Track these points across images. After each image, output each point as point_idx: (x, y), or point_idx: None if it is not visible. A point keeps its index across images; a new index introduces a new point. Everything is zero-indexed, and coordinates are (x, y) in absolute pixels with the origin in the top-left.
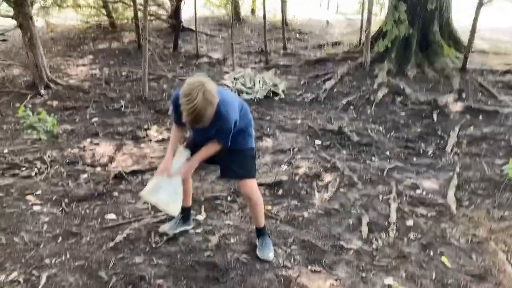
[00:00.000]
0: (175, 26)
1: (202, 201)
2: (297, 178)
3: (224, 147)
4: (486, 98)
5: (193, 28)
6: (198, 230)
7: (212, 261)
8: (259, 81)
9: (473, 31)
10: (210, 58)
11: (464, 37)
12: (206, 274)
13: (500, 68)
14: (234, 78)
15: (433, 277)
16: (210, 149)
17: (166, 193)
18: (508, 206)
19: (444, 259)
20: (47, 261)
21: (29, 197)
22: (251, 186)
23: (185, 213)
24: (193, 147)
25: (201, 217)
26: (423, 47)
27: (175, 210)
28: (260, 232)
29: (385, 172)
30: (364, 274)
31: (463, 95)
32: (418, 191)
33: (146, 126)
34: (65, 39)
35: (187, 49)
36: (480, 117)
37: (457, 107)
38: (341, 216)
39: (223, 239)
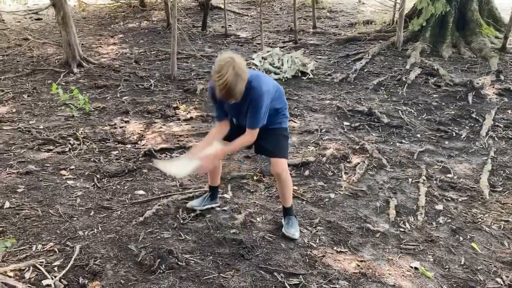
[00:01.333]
0: (204, 5)
1: (229, 179)
2: (324, 159)
3: (256, 131)
4: None
5: (222, 6)
6: (225, 208)
7: (238, 238)
8: (287, 61)
9: None
10: (238, 37)
11: (505, 15)
12: (231, 250)
13: None
14: (262, 58)
15: (462, 262)
16: (243, 140)
17: (176, 164)
18: None
19: (474, 244)
20: (80, 233)
21: (63, 172)
22: (283, 165)
23: (213, 191)
24: (231, 132)
25: (227, 196)
26: (460, 25)
27: (177, 172)
28: (287, 212)
29: (416, 155)
30: (390, 257)
31: (501, 77)
32: (449, 175)
33: (175, 105)
34: (96, 18)
35: (216, 28)
36: None
37: (494, 89)
38: (368, 198)
39: (248, 217)
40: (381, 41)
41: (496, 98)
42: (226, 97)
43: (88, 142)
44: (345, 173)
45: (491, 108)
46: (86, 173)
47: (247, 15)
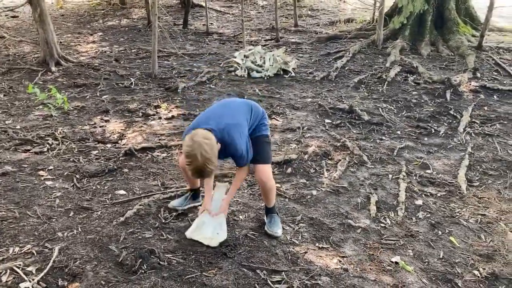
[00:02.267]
0: (185, 3)
1: (223, 182)
2: (306, 156)
3: (248, 165)
4: (502, 77)
5: (203, 4)
6: None
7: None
8: (269, 59)
9: (490, 7)
10: (220, 35)
11: (481, 14)
12: (214, 249)
13: None
14: (244, 56)
15: (441, 255)
16: (240, 177)
17: (210, 229)
18: None
19: (452, 238)
20: (59, 234)
21: (41, 172)
22: (266, 171)
23: (195, 191)
24: None
25: None
26: (438, 24)
27: (217, 242)
28: (270, 210)
29: (396, 151)
30: (371, 252)
31: (478, 74)
32: (428, 171)
33: (155, 104)
34: (75, 16)
35: (197, 26)
36: (495, 96)
37: (471, 86)
38: (349, 194)
39: (232, 216)
40: (362, 39)
41: (473, 95)
42: (198, 177)
43: (67, 142)
44: (326, 170)
45: (468, 105)
46: (65, 173)
47: (229, 13)
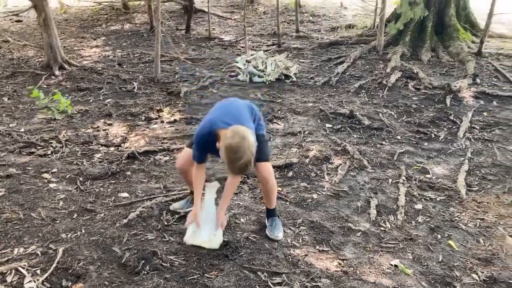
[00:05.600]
0: (188, 8)
1: (213, 181)
2: (307, 160)
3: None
4: (501, 83)
5: (206, 10)
6: None
7: (223, 239)
8: (271, 64)
9: (490, 14)
10: (222, 40)
11: (481, 21)
12: (216, 251)
13: None
14: (246, 61)
15: (440, 259)
16: (234, 183)
17: (207, 232)
18: None
19: (451, 242)
20: (63, 235)
21: (45, 175)
22: (267, 168)
23: None
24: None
25: None
26: (438, 30)
27: (217, 243)
28: (271, 213)
29: (396, 156)
30: (371, 255)
31: (478, 80)
32: (428, 176)
33: (158, 108)
34: (79, 21)
35: (199, 31)
36: (494, 102)
37: (471, 92)
38: (350, 198)
39: (233, 218)
40: (363, 45)
41: (473, 101)
42: (242, 173)
43: (70, 145)
44: (327, 174)
45: (468, 110)
46: (69, 176)
47: (231, 19)
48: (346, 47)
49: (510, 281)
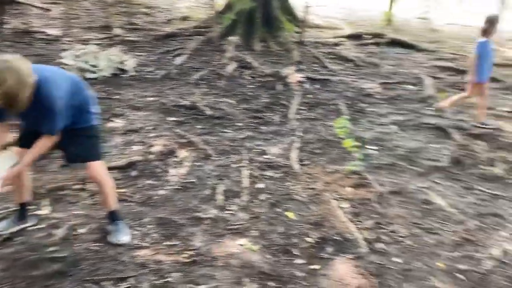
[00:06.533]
0: None
1: (45, 193)
2: (152, 157)
3: (55, 136)
4: (320, 68)
5: (22, 0)
6: (41, 226)
7: (58, 255)
8: (104, 59)
9: (307, 8)
10: (45, 34)
11: (300, 13)
12: (51, 270)
13: (331, 41)
14: (76, 56)
15: (280, 231)
16: (40, 147)
17: None
18: (339, 160)
19: (289, 213)
20: None
21: None
22: (98, 168)
23: (22, 210)
24: (28, 137)
25: (44, 211)
26: (266, 22)
27: None
28: (113, 216)
29: (238, 142)
30: (219, 240)
31: (302, 67)
32: (266, 156)
33: None
34: None
35: (16, 25)
36: (316, 85)
37: (297, 77)
38: (197, 188)
39: (71, 230)
40: (199, 36)
41: (299, 85)
42: (6, 107)
43: None
44: (173, 167)
45: (296, 94)
46: None
47: (54, 10)
48: (183, 39)
49: (336, 238)
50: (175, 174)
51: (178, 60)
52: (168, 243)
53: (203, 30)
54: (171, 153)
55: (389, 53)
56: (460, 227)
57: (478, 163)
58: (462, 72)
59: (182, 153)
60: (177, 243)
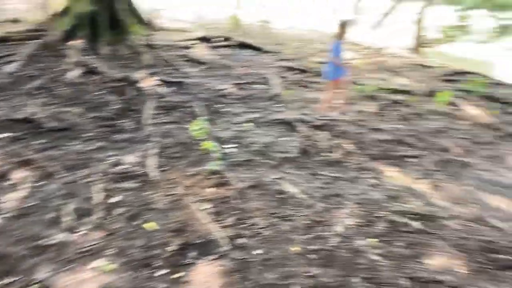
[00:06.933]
0: None
1: None
2: None
3: None
4: (173, 71)
5: None
6: None
7: None
8: None
9: (154, 10)
10: None
11: (147, 16)
12: None
13: (182, 44)
14: None
15: (141, 244)
16: None
17: None
18: (198, 162)
19: (150, 224)
20: None
21: None
22: None
23: None
24: None
25: None
26: (112, 24)
27: None
28: None
29: (86, 154)
30: (68, 266)
31: (154, 70)
32: (121, 167)
33: None
34: None
35: None
36: (170, 88)
37: (150, 81)
38: (39, 212)
39: None
40: (35, 40)
41: (152, 89)
42: None
43: None
44: (8, 192)
45: (149, 99)
46: None
47: None
48: (14, 44)
49: (198, 241)
50: (11, 199)
51: (10, 68)
52: (5, 281)
53: (38, 34)
54: (3, 176)
55: (239, 55)
56: (310, 211)
57: (321, 151)
58: (303, 71)
59: (18, 174)
60: (16, 278)
